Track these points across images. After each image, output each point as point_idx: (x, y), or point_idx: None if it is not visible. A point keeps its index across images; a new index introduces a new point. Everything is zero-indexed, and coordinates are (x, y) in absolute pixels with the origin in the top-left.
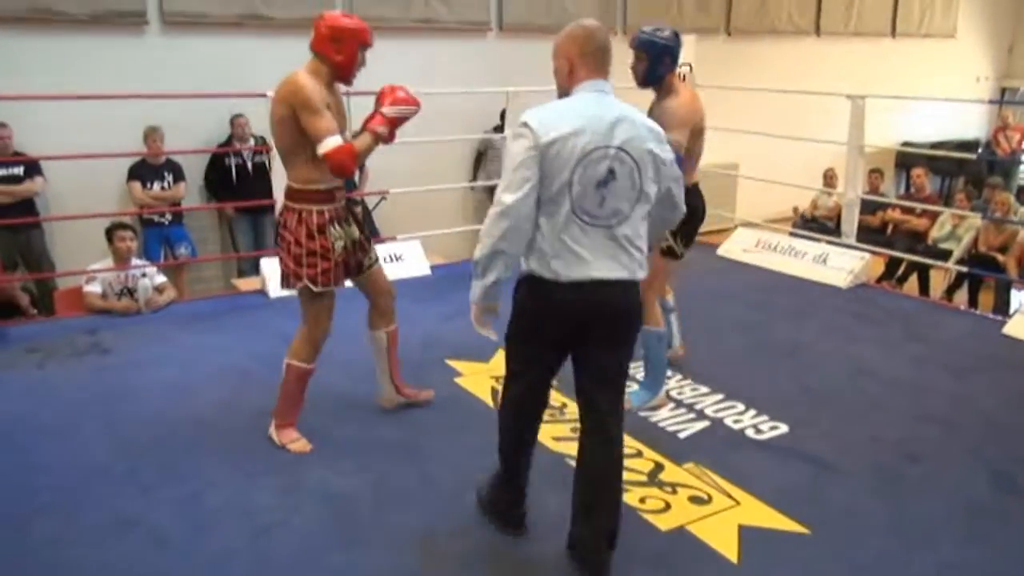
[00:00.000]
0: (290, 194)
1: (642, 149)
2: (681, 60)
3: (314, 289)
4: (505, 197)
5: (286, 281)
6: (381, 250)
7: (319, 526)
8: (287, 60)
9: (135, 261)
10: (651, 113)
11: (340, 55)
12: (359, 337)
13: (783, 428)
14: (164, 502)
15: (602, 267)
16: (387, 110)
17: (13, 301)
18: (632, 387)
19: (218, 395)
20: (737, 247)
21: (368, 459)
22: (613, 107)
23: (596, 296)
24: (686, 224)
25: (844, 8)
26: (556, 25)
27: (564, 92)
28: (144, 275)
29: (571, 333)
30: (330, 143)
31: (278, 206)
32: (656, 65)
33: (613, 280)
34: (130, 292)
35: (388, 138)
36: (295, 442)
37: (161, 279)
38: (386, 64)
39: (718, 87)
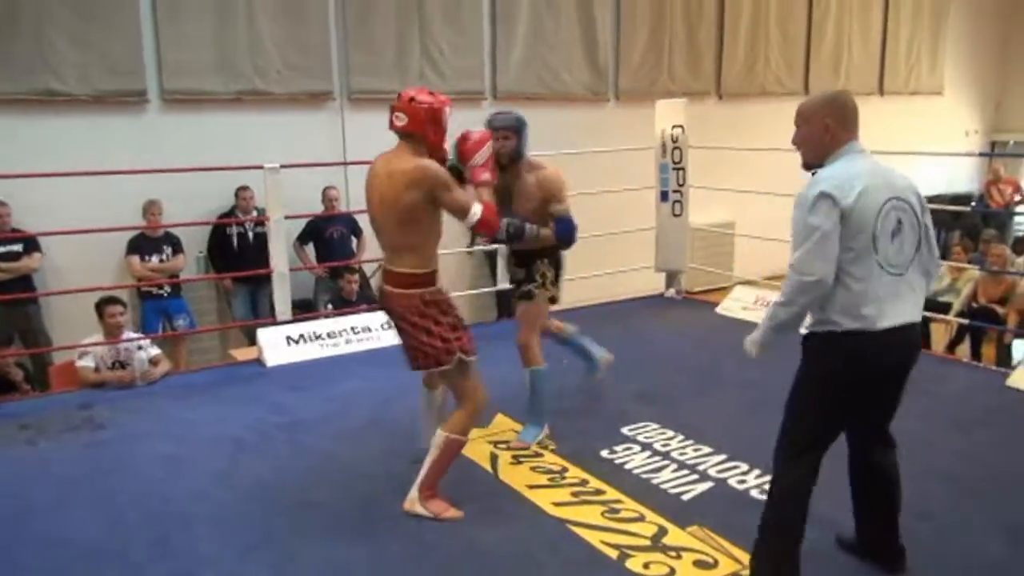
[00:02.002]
0: (411, 281)
1: (912, 197)
2: (673, 122)
3: (467, 359)
4: (816, 267)
5: (432, 362)
6: (375, 317)
7: None
8: (285, 133)
9: (129, 334)
10: (516, 187)
11: (437, 134)
12: (354, 402)
13: None
14: None
15: (904, 312)
16: (478, 159)
17: (7, 377)
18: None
19: (213, 466)
20: (736, 304)
21: (364, 529)
22: (878, 162)
23: (907, 339)
24: (558, 273)
25: (832, 68)
26: (549, 93)
27: (819, 155)
28: (140, 347)
29: (881, 383)
30: (478, 209)
31: (277, 277)
32: (523, 142)
33: (912, 324)
34: (123, 365)
35: (493, 179)
36: (447, 510)
37: (156, 351)
38: (383, 135)
39: (710, 148)
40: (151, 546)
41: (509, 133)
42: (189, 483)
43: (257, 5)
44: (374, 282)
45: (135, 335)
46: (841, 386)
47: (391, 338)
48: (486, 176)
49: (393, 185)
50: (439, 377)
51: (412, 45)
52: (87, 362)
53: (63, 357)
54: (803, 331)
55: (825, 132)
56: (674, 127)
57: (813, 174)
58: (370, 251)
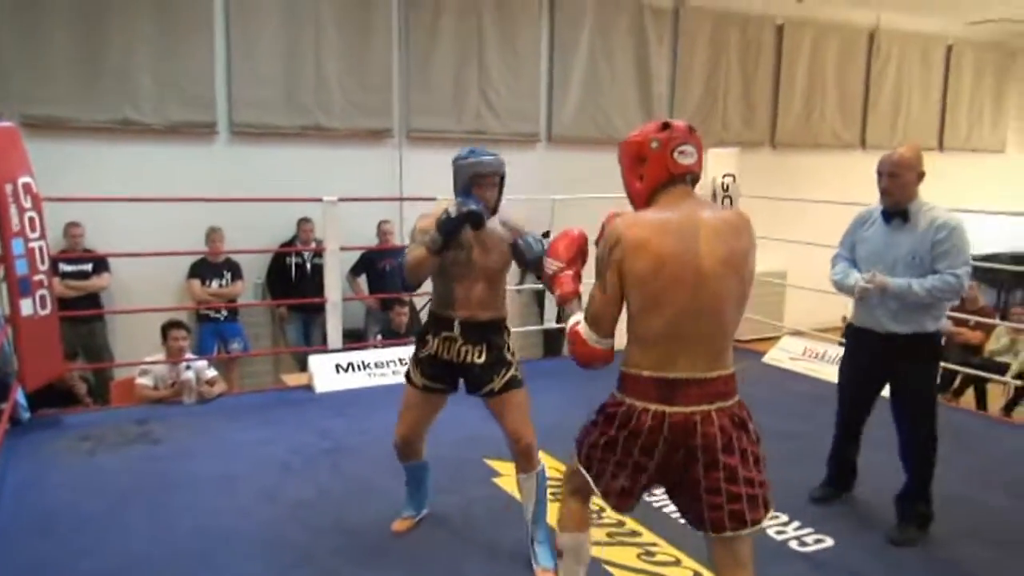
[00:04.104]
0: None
1: None
2: (724, 170)
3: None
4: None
5: (759, 512)
6: None
7: None
8: (344, 168)
9: (187, 355)
10: (488, 230)
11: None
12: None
13: (828, 541)
14: None
15: None
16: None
17: (71, 390)
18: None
19: (259, 486)
20: (784, 355)
21: (402, 557)
22: None
23: None
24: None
25: (889, 123)
26: (603, 137)
27: (909, 199)
28: (193, 368)
29: None
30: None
31: (330, 307)
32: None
33: None
34: (180, 385)
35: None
36: None
37: (212, 373)
38: (439, 173)
39: (762, 197)
40: (198, 560)
41: (499, 179)
42: (236, 500)
43: (324, 46)
44: (424, 315)
45: (192, 356)
46: None
47: None
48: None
49: (743, 235)
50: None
51: (470, 86)
52: (146, 380)
53: (124, 373)
54: (930, 329)
55: (918, 180)
56: (725, 175)
57: (905, 215)
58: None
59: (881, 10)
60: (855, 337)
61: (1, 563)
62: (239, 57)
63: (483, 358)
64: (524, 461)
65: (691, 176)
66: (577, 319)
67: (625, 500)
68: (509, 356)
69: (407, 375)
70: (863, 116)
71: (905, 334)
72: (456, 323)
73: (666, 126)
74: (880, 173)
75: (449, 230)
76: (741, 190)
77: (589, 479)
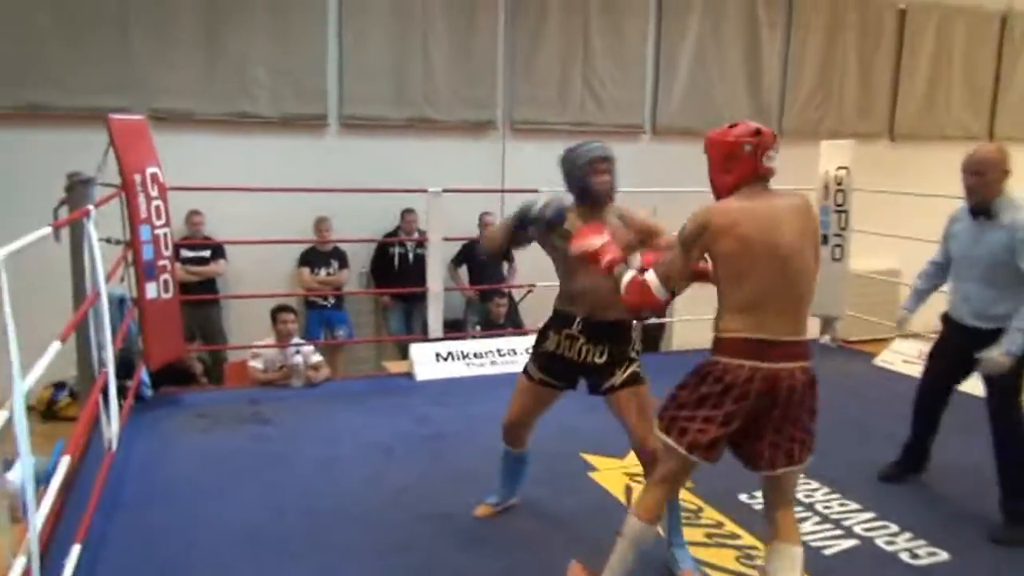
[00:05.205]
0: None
1: None
2: (838, 163)
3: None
4: None
5: (805, 455)
6: (524, 341)
7: None
8: (449, 159)
9: (296, 340)
10: (596, 219)
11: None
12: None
13: (943, 555)
14: (308, 566)
15: None
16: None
17: (189, 370)
18: None
19: (362, 470)
20: (897, 357)
21: (498, 545)
22: None
23: None
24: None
25: (1022, 114)
26: (708, 127)
27: (992, 196)
28: (301, 353)
29: None
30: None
31: (432, 296)
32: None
33: None
34: (289, 369)
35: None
36: None
37: (318, 358)
38: (542, 164)
39: (877, 192)
40: (306, 538)
41: (612, 164)
42: (341, 482)
43: (432, 40)
44: (522, 307)
45: (301, 341)
46: None
47: None
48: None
49: (809, 214)
50: None
51: (575, 78)
52: (257, 363)
53: (237, 356)
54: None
55: (1003, 178)
56: (839, 169)
57: (989, 213)
58: (520, 277)
59: None
60: (945, 324)
61: (127, 529)
62: (350, 51)
63: (604, 358)
64: (650, 468)
65: (771, 176)
66: (632, 274)
67: (711, 451)
68: (633, 354)
69: (525, 365)
70: (992, 106)
71: (989, 329)
72: (577, 321)
73: (758, 132)
74: (965, 171)
75: (520, 221)
76: (855, 183)
77: (670, 440)
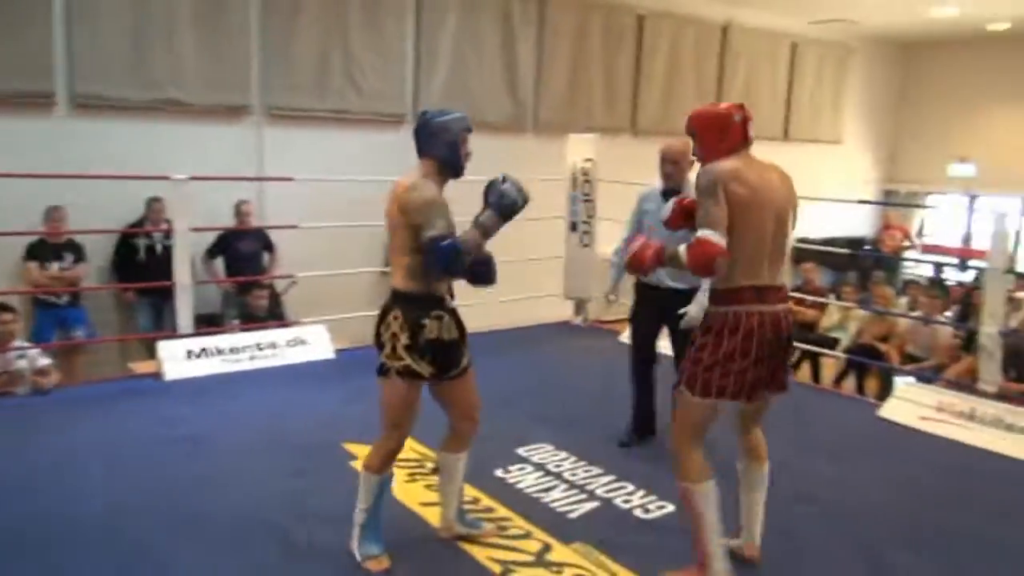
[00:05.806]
0: None
1: None
2: (584, 156)
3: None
4: None
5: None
6: (285, 334)
7: None
8: (200, 146)
9: (20, 342)
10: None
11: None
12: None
13: (670, 507)
14: None
15: None
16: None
17: None
18: None
19: (97, 479)
20: None
21: (253, 545)
22: None
23: None
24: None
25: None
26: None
27: (682, 182)
28: (27, 357)
29: None
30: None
31: (179, 289)
32: None
33: None
34: (10, 375)
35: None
36: None
37: (46, 361)
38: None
39: (619, 182)
40: (36, 554)
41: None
42: (73, 493)
43: (177, 16)
44: (286, 298)
45: (25, 344)
46: None
47: (295, 356)
48: None
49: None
50: None
51: (333, 66)
52: None
53: None
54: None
55: (691, 165)
56: (585, 160)
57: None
58: (281, 267)
59: (733, 7)
60: (639, 291)
61: None
62: (78, 17)
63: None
64: (468, 442)
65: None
66: (683, 246)
67: (755, 390)
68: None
69: (401, 370)
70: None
71: (685, 289)
72: (445, 300)
73: (742, 106)
74: (664, 160)
75: (509, 218)
76: (600, 174)
77: (695, 397)
